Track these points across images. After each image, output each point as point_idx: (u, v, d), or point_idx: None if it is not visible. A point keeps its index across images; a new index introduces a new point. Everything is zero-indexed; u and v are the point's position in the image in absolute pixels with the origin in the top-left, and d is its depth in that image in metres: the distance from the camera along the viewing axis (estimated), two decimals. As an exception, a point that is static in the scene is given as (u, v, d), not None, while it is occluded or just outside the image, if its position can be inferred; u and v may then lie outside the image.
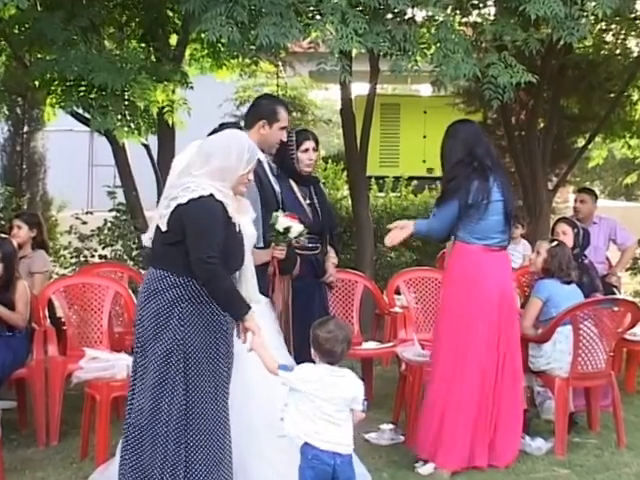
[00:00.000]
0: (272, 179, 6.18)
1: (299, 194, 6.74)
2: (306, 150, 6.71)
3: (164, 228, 4.81)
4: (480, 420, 6.08)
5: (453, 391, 6.07)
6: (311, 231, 6.66)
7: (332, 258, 6.94)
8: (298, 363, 4.95)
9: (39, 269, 7.69)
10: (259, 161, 6.02)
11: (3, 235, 7.24)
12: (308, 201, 6.76)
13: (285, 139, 6.32)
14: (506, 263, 6.34)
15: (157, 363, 4.75)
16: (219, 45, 9.32)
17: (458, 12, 7.98)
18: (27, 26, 8.74)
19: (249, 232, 5.12)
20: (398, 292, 8.27)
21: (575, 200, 9.53)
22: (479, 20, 7.98)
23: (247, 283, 5.04)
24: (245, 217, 5.22)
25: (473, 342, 6.06)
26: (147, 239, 5.20)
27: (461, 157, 6.22)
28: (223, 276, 4.75)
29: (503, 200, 6.15)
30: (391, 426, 6.89)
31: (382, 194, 13.26)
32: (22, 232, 7.78)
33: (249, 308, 4.81)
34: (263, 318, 5.42)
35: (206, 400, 4.78)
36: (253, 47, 7.28)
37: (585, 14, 6.96)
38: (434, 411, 6.14)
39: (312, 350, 4.77)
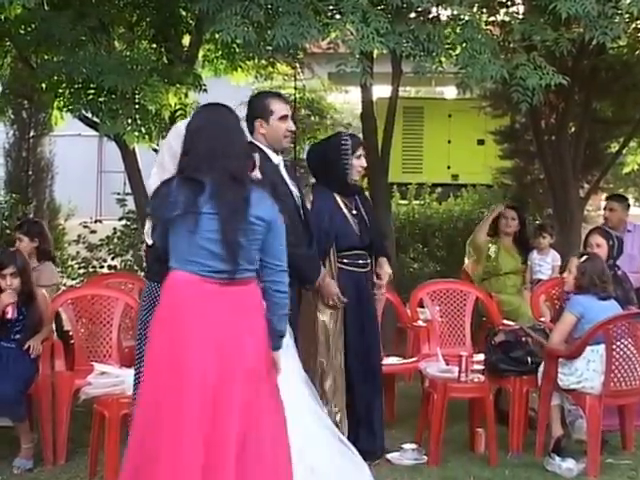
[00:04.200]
0: (289, 182, 6.17)
1: (343, 206, 6.71)
2: (360, 156, 6.70)
3: (150, 241, 4.85)
4: None
5: None
6: (359, 246, 6.65)
7: (385, 274, 6.90)
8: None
9: (46, 282, 7.71)
10: (273, 165, 6.03)
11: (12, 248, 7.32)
12: (354, 212, 6.73)
13: (292, 128, 6.26)
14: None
15: None
16: (234, 46, 9.34)
17: (485, 11, 7.98)
18: (33, 26, 8.78)
19: None
20: (421, 305, 8.26)
21: (604, 208, 9.48)
22: (507, 19, 7.97)
23: None
24: None
25: None
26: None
27: None
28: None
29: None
30: (414, 446, 6.86)
31: (405, 202, 13.26)
32: (23, 244, 7.82)
33: None
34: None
35: None
36: (269, 48, 7.29)
37: (619, 12, 6.94)
38: None
39: None
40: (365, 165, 6.80)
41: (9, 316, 6.66)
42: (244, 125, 5.29)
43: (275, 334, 4.72)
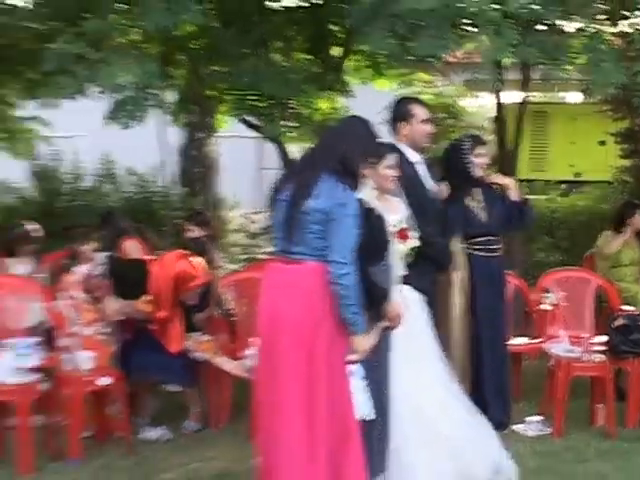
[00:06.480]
0: (426, 178, 6.15)
1: (469, 198, 6.65)
2: (479, 155, 6.61)
3: None
4: None
5: None
6: (487, 232, 6.60)
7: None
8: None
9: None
10: (409, 163, 6.02)
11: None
12: (481, 203, 6.67)
13: (432, 130, 6.25)
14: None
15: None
16: (379, 57, 9.33)
17: (608, 23, 7.78)
18: (204, 41, 8.92)
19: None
20: (547, 290, 8.13)
21: None
22: (629, 30, 7.75)
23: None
24: (394, 216, 5.24)
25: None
26: None
27: None
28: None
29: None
30: (539, 418, 6.79)
31: (533, 197, 13.05)
32: (194, 234, 7.88)
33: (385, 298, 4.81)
34: (416, 314, 5.46)
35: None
36: (412, 58, 7.26)
37: None
38: None
39: None
40: (486, 162, 6.71)
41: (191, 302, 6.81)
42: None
43: (344, 321, 4.53)
